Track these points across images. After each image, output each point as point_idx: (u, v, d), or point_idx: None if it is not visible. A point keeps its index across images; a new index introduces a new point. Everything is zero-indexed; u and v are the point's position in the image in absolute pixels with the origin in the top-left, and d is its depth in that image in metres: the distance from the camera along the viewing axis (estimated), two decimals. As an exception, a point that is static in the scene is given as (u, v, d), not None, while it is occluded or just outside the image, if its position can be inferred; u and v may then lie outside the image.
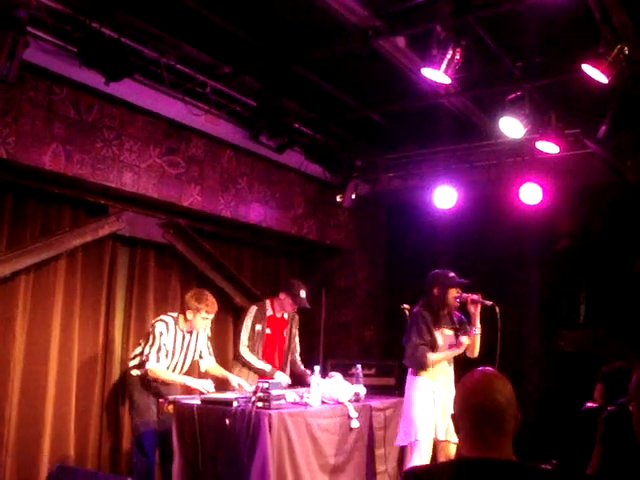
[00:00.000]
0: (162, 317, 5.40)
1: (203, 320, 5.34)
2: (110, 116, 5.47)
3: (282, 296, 5.94)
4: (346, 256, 8.41)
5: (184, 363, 5.50)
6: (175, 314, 5.47)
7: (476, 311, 5.06)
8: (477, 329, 5.09)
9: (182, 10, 4.84)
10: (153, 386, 5.36)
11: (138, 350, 5.41)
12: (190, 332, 5.44)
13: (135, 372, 5.36)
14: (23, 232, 5.46)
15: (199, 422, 4.61)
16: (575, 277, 7.14)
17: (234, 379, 5.44)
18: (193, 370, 5.77)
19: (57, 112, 5.09)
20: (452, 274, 5.12)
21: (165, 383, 5.35)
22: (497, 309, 4.91)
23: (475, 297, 5.05)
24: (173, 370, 5.41)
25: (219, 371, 5.63)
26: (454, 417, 2.07)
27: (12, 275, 5.28)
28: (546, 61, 5.30)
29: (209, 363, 5.66)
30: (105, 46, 4.71)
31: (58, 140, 5.10)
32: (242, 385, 5.35)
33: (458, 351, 5.09)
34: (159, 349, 5.21)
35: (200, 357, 5.61)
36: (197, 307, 5.29)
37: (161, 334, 5.24)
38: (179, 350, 5.41)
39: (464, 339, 5.09)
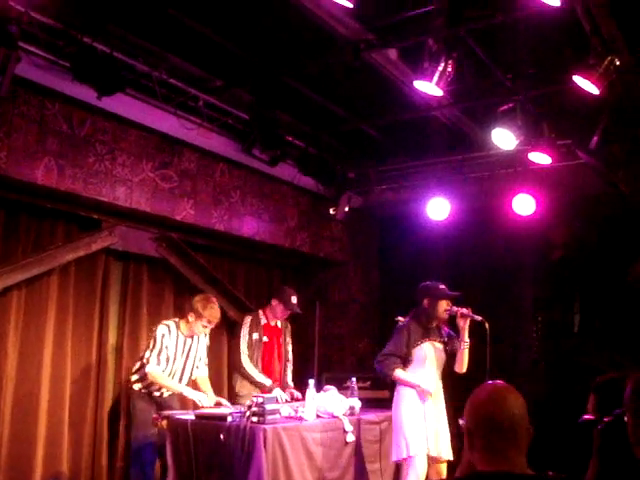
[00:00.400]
0: (163, 322, 5.44)
1: (203, 327, 5.39)
2: (102, 130, 5.46)
3: (274, 302, 6.01)
4: (339, 268, 8.40)
5: (184, 369, 5.48)
6: (177, 319, 5.50)
7: (465, 325, 5.04)
8: (465, 343, 5.07)
9: (173, 24, 4.85)
10: (155, 399, 5.35)
11: (139, 364, 5.40)
12: (191, 337, 5.46)
13: (137, 386, 5.36)
14: (15, 247, 5.43)
15: (193, 437, 4.58)
16: (569, 287, 7.14)
17: (212, 398, 5.39)
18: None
19: (49, 127, 5.08)
20: (442, 286, 5.10)
21: (165, 397, 5.35)
22: (487, 325, 4.90)
23: (465, 311, 5.03)
24: (173, 377, 5.39)
25: (205, 386, 5.60)
26: (466, 432, 2.07)
27: (4, 290, 5.25)
28: (537, 72, 5.33)
29: (201, 373, 5.64)
30: (97, 60, 4.71)
31: (50, 155, 5.08)
32: (220, 402, 5.38)
33: (419, 389, 5.02)
34: (160, 352, 5.22)
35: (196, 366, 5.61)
36: (200, 313, 5.33)
37: (163, 336, 5.27)
38: (180, 354, 5.40)
39: (425, 388, 5.03)
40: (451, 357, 5.16)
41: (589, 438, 2.99)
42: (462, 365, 5.09)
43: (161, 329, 5.31)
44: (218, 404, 5.36)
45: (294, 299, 6.00)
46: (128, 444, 5.66)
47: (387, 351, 5.06)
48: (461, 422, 2.17)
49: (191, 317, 5.37)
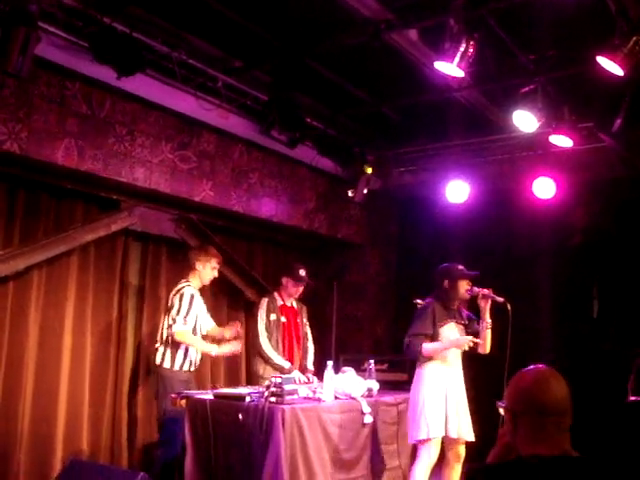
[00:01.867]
0: (183, 283, 5.49)
1: (212, 270, 5.59)
2: (122, 111, 5.47)
3: (284, 280, 6.03)
4: (358, 250, 8.40)
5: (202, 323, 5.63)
6: (186, 280, 5.55)
7: (486, 306, 5.02)
8: (488, 324, 5.04)
9: (193, 4, 4.83)
10: (183, 377, 5.40)
11: (159, 343, 5.45)
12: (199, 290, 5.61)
13: (158, 359, 5.38)
14: (36, 227, 5.49)
15: (212, 417, 4.61)
16: (588, 272, 7.08)
17: (228, 330, 5.66)
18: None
19: (69, 107, 5.10)
20: (461, 267, 5.07)
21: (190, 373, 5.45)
22: (509, 306, 4.87)
23: (486, 292, 5.00)
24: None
25: (217, 330, 5.76)
26: (511, 416, 2.09)
27: (26, 270, 5.30)
28: (560, 54, 5.25)
29: (210, 325, 5.77)
30: (117, 41, 4.69)
31: (70, 135, 5.11)
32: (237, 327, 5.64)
33: (454, 346, 5.00)
34: (187, 313, 5.31)
35: None
36: (207, 258, 5.55)
37: (192, 297, 5.39)
38: (204, 310, 5.58)
39: (462, 339, 5.00)
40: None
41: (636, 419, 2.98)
42: (485, 346, 5.06)
43: (189, 290, 5.39)
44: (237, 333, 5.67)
45: (302, 272, 6.01)
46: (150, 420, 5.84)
47: (413, 331, 4.98)
48: (501, 406, 2.20)
49: (199, 265, 5.53)
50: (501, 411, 2.28)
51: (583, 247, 6.98)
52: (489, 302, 5.01)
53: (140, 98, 5.55)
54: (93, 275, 5.89)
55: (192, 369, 5.50)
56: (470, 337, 4.98)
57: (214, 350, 5.42)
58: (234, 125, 6.33)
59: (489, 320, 5.04)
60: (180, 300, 5.33)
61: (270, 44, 5.45)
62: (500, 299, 4.94)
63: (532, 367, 2.16)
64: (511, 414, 2.09)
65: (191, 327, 5.36)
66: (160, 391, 5.40)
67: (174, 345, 5.35)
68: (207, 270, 5.56)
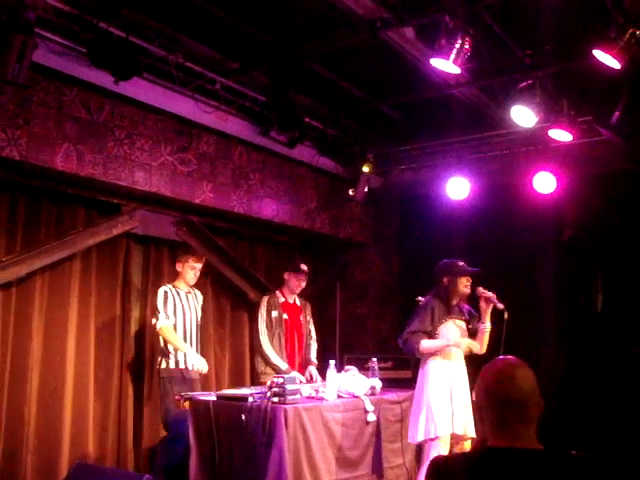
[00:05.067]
0: (162, 286, 5.68)
1: (191, 270, 5.67)
2: (120, 115, 5.48)
3: (286, 276, 6.05)
4: (360, 250, 8.40)
5: (197, 327, 5.74)
6: (168, 283, 5.74)
7: (487, 309, 5.02)
8: (486, 327, 5.04)
9: (189, 7, 4.85)
10: (177, 374, 5.46)
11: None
12: (189, 292, 5.75)
13: (157, 364, 5.56)
14: (37, 233, 5.51)
15: (215, 418, 4.63)
16: (591, 266, 7.06)
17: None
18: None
19: (68, 113, 5.11)
20: (461, 263, 5.06)
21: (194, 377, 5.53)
22: (506, 315, 4.86)
23: (489, 295, 4.99)
24: (189, 334, 5.62)
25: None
26: (477, 407, 2.10)
27: (27, 275, 5.33)
28: (556, 48, 5.25)
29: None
30: (113, 45, 4.71)
31: (69, 141, 5.12)
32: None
33: (451, 346, 5.00)
34: (165, 304, 5.47)
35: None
36: (185, 258, 5.67)
37: (165, 293, 5.53)
38: (187, 308, 5.65)
39: (463, 342, 5.01)
40: (472, 336, 5.13)
41: None
42: (482, 346, 5.07)
43: (161, 289, 5.56)
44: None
45: (303, 267, 6.05)
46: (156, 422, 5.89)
47: (412, 328, 4.99)
48: (474, 397, 2.21)
49: (179, 267, 5.68)
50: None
51: (581, 242, 6.96)
52: (490, 306, 5.01)
53: (138, 102, 5.57)
54: (95, 279, 5.91)
55: (182, 367, 5.52)
56: (469, 341, 5.02)
57: (189, 352, 5.48)
58: (233, 127, 6.35)
59: (488, 323, 5.04)
60: (156, 299, 5.53)
61: (267, 45, 5.46)
62: (500, 305, 4.93)
63: (499, 358, 2.15)
64: (477, 405, 2.10)
65: (172, 323, 5.48)
66: (161, 392, 5.55)
67: (163, 344, 5.53)
68: (187, 270, 5.69)
